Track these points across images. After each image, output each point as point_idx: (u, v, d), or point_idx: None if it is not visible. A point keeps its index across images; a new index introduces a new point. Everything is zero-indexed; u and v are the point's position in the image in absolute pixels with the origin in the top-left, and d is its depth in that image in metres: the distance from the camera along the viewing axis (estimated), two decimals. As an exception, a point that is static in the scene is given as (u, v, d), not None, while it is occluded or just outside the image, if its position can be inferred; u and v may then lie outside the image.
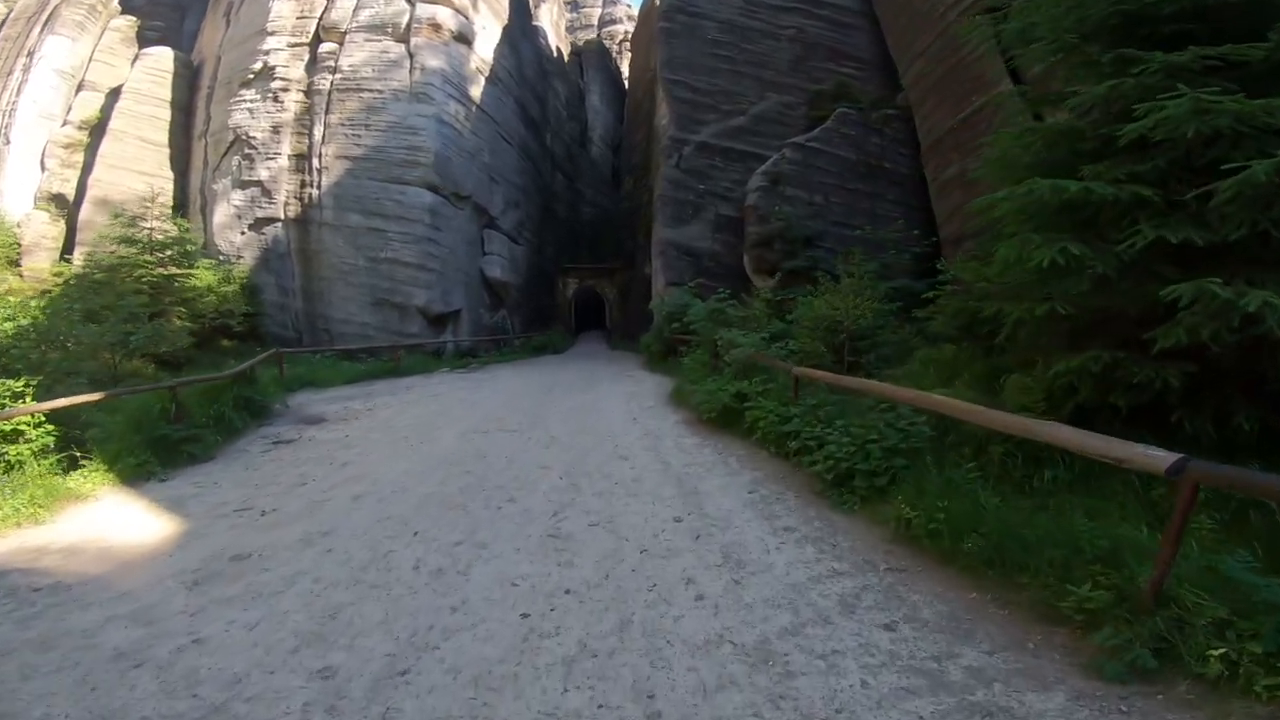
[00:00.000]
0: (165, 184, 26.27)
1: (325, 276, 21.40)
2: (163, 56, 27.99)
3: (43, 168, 26.56)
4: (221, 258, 22.36)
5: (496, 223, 25.43)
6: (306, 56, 22.70)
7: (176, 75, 28.13)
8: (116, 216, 19.19)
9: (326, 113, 21.88)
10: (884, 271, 12.24)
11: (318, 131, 21.89)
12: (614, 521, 5.28)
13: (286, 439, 9.03)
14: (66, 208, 25.76)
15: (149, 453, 7.29)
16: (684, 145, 19.65)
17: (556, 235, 35.62)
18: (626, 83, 52.84)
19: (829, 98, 20.67)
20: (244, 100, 22.92)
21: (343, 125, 21.69)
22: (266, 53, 22.45)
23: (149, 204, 19.34)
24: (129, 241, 18.60)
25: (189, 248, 20.31)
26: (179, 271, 19.40)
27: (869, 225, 16.07)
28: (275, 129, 22.34)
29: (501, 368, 20.01)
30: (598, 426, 9.55)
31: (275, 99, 22.50)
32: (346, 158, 21.42)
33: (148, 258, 18.49)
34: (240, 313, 20.97)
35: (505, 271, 25.46)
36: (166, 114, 27.46)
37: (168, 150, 26.97)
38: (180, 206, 26.21)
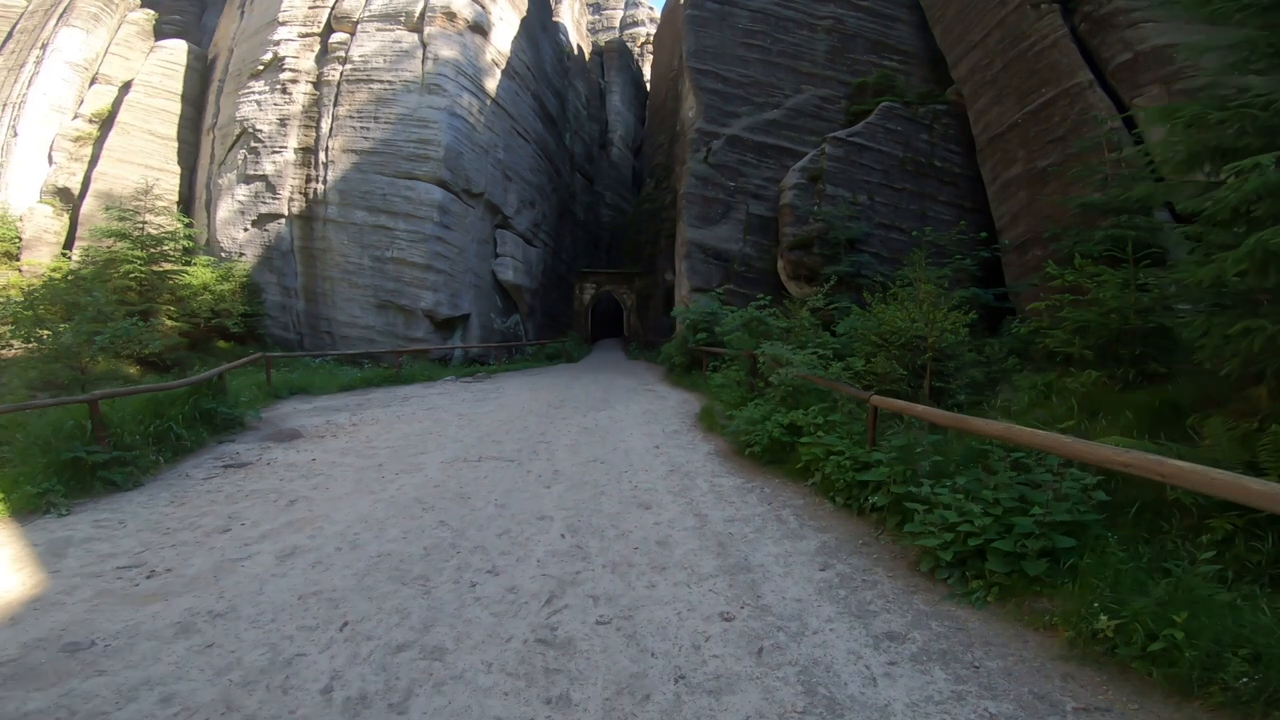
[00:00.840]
0: (172, 179, 25.48)
1: (329, 276, 20.15)
2: (176, 49, 27.27)
3: (50, 161, 25.86)
4: (224, 255, 21.30)
5: (510, 223, 24.07)
6: (317, 47, 21.62)
7: (189, 69, 27.39)
8: (108, 210, 18.12)
9: (335, 105, 20.74)
10: (950, 279, 10.50)
11: (325, 124, 20.74)
12: (634, 617, 3.66)
13: (242, 461, 7.55)
14: (72, 202, 24.96)
15: (55, 479, 5.84)
16: (713, 139, 18.08)
17: (574, 238, 34.26)
18: (649, 84, 51.68)
19: (871, 91, 19.01)
20: (252, 92, 21.93)
21: (351, 118, 20.51)
22: (277, 43, 21.43)
23: (142, 197, 18.23)
24: (121, 236, 17.53)
25: (185, 243, 19.20)
26: (171, 268, 18.27)
27: (920, 228, 14.32)
28: (282, 122, 21.26)
29: (511, 377, 18.52)
30: (613, 457, 7.98)
31: (283, 90, 21.45)
32: (354, 151, 20.22)
33: (138, 253, 17.36)
34: (239, 313, 19.81)
35: (519, 274, 24.06)
36: (176, 107, 26.67)
37: (175, 145, 26.13)
38: (186, 203, 25.34)
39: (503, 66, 23.35)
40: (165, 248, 18.25)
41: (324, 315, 20.31)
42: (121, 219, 17.59)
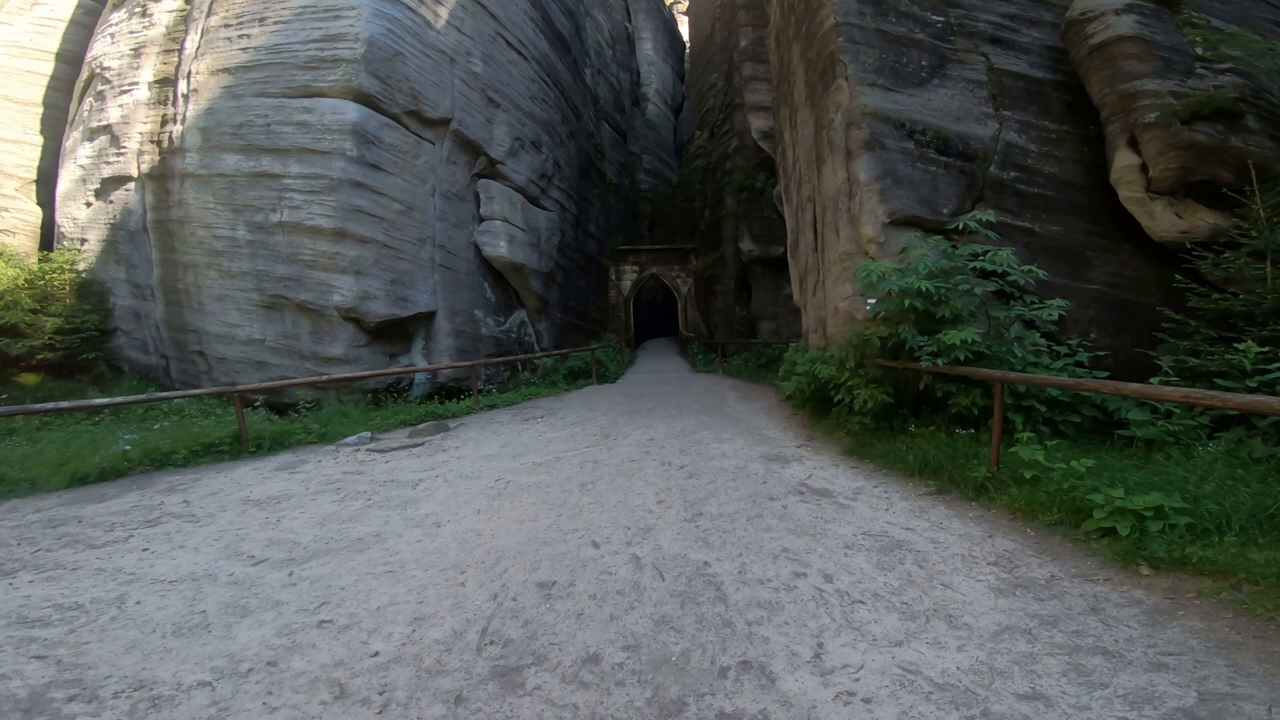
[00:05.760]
0: (30, 151, 18.17)
1: (190, 262, 12.12)
2: (59, 4, 20.15)
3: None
4: (66, 243, 13.72)
5: (500, 169, 15.56)
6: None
7: (73, 23, 20.15)
8: None
9: (208, 14, 12.73)
10: None
11: (191, 41, 12.76)
12: None
13: None
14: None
15: None
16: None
17: (605, 206, 25.60)
18: (686, 31, 42.82)
19: None
20: (109, 25, 14.43)
21: (227, 26, 12.43)
22: (134, -62, 13.63)
23: None
24: None
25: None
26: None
27: None
28: (136, 51, 13.56)
29: (491, 428, 10.01)
30: None
31: (143, 13, 13.79)
32: (226, 70, 12.15)
33: None
34: (69, 329, 12.30)
35: (518, 248, 15.53)
36: (48, 68, 19.33)
37: (40, 110, 18.79)
38: (49, 179, 18.07)
39: (472, -71, 14.84)
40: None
41: (190, 326, 12.29)
42: None
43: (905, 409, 6.24)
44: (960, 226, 6.22)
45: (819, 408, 7.54)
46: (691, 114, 36.15)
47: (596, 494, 5.38)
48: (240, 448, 8.25)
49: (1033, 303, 5.94)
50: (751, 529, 4.32)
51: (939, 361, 5.47)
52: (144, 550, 4.85)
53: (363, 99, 11.80)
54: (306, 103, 11.67)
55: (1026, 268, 5.83)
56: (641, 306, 28.97)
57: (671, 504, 4.98)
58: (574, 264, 20.84)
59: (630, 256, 25.60)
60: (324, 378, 10.44)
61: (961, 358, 5.27)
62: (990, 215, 6.04)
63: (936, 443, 5.34)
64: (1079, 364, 5.63)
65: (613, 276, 25.33)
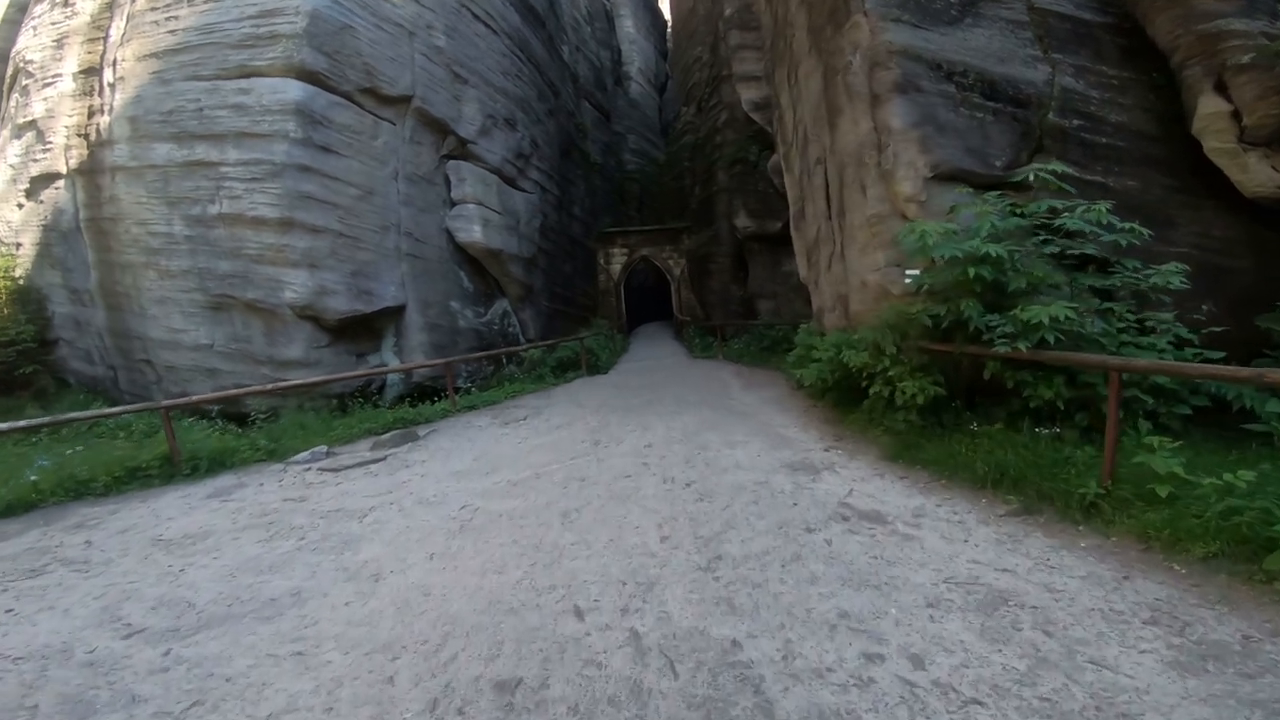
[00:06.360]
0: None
1: (127, 262, 10.89)
2: None
3: None
4: (2, 249, 12.47)
5: (471, 149, 14.27)
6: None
7: (6, 22, 18.68)
8: None
9: (133, 1, 11.36)
10: None
11: (116, 28, 11.43)
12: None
13: None
14: None
15: None
16: None
17: (590, 188, 24.30)
18: (668, 11, 41.13)
19: None
20: (32, 18, 13.06)
21: (154, 9, 11.09)
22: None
23: None
24: None
25: None
26: None
27: None
28: (59, 42, 12.24)
29: (466, 435, 8.91)
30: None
31: (64, 3, 12.39)
32: (154, 55, 10.84)
33: None
34: (4, 341, 11.24)
35: (495, 233, 14.30)
36: (-20, 58, 17.86)
37: (-30, 104, 17.31)
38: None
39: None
40: None
41: (134, 332, 11.09)
42: None
43: (957, 401, 5.13)
44: (1027, 179, 5.05)
45: (844, 399, 6.42)
46: (677, 91, 34.63)
47: (582, 528, 4.25)
48: (173, 471, 7.12)
49: (1137, 269, 4.77)
50: (790, 580, 3.22)
51: (1019, 345, 4.30)
52: (6, 612, 3.78)
53: (307, 76, 10.51)
54: (243, 83, 10.37)
55: (1127, 225, 4.70)
56: (633, 290, 27.75)
57: (679, 542, 3.86)
58: (558, 248, 19.61)
59: (619, 239, 24.31)
60: (271, 386, 9.23)
61: (1050, 339, 4.16)
62: (1061, 167, 4.88)
63: (1011, 445, 4.24)
64: (1181, 341, 4.52)
65: (601, 260, 24.07)
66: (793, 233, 10.81)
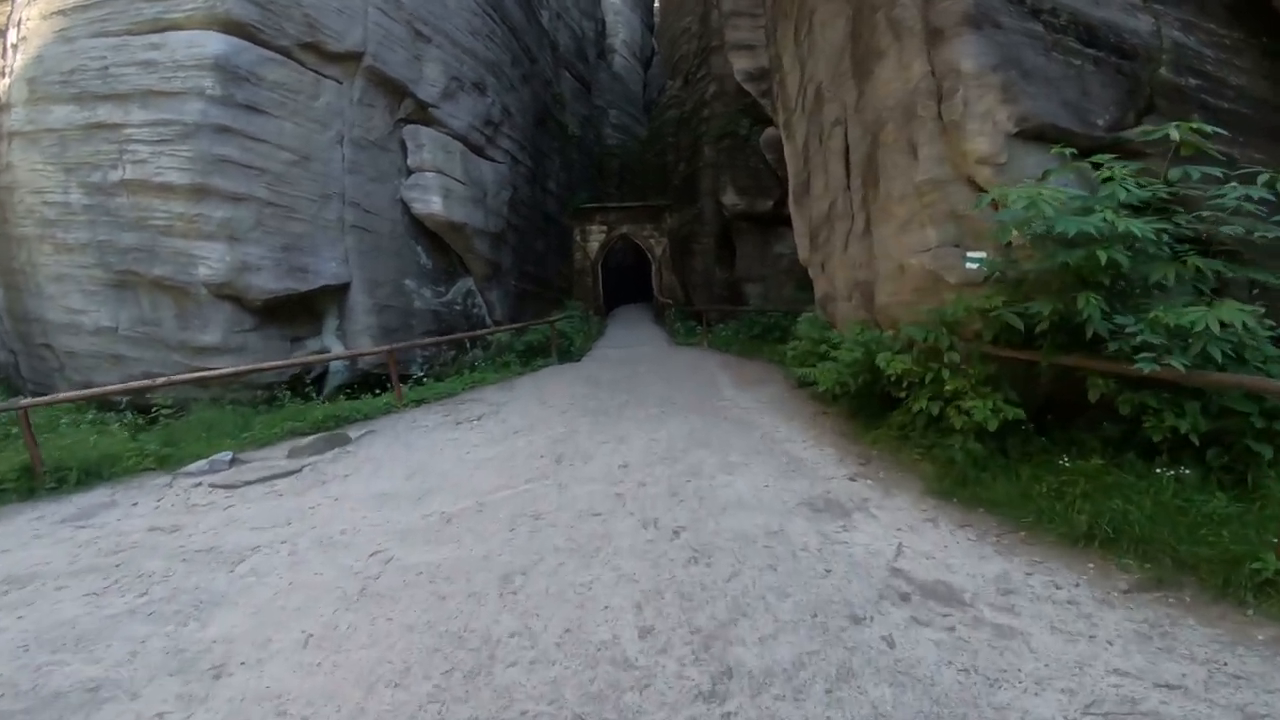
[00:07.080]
0: None
1: (23, 235, 9.26)
2: None
3: None
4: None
5: (434, 114, 12.69)
6: None
7: None
8: None
9: None
10: None
11: None
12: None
13: None
14: None
15: None
16: None
17: (566, 162, 22.68)
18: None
19: None
20: None
21: None
22: None
23: None
24: None
25: None
26: None
27: None
28: None
29: (405, 440, 7.67)
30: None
31: None
32: (60, 13, 9.18)
33: None
34: None
35: (458, 205, 12.81)
36: None
37: None
38: None
39: None
40: None
41: (32, 313, 9.50)
42: None
43: (1027, 424, 3.96)
44: (1132, 142, 3.82)
45: (864, 407, 5.24)
46: (662, 65, 32.94)
47: (528, 606, 3.03)
48: (35, 484, 5.71)
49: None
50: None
51: (1175, 362, 3.06)
52: None
53: (234, 28, 8.92)
54: (155, 38, 8.77)
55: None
56: (611, 270, 26.31)
57: (667, 640, 2.66)
58: (530, 224, 18.11)
59: (597, 215, 22.83)
60: (198, 373, 7.75)
61: (1217, 354, 3.02)
62: (1203, 126, 3.65)
63: (1120, 489, 3.11)
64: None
65: (578, 238, 22.60)
66: (792, 209, 9.56)
